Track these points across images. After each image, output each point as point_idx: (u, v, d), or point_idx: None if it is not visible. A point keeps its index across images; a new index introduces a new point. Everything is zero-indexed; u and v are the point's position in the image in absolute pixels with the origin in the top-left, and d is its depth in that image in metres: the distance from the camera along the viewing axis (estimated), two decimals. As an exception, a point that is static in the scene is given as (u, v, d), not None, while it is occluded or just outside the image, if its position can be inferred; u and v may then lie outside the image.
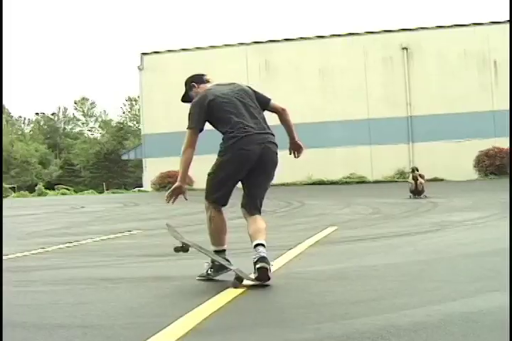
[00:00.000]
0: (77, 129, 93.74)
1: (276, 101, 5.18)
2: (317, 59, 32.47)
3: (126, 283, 5.07)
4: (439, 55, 30.90)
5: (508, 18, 26.99)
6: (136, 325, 3.51)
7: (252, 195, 4.98)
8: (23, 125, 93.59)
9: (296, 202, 17.07)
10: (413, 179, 17.87)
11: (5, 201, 31.86)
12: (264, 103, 5.10)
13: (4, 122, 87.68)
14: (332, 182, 30.28)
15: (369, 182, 30.21)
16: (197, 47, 34.74)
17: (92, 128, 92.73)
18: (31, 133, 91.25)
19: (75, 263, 6.53)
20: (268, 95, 5.23)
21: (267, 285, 4.50)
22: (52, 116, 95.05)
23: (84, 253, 7.58)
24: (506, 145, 27.70)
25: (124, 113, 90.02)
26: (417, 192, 17.58)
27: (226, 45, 34.38)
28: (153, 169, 32.49)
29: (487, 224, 9.23)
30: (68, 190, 44.42)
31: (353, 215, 12.51)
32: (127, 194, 33.07)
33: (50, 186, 54.06)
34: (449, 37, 30.72)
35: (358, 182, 30.10)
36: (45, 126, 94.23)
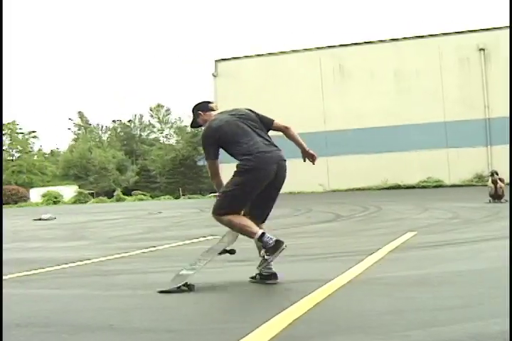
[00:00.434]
0: (153, 136, 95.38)
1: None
2: (391, 62, 32.09)
3: (207, 288, 5.10)
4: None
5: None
6: (220, 330, 3.52)
7: (266, 207, 5.35)
8: (100, 132, 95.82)
9: (372, 207, 16.87)
10: (493, 183, 17.38)
11: (84, 206, 32.69)
12: (268, 123, 5.46)
13: (83, 130, 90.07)
14: (408, 187, 29.85)
15: (446, 186, 29.64)
16: (270, 53, 34.81)
17: (167, 134, 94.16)
18: (109, 140, 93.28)
19: (156, 268, 6.62)
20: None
21: (350, 292, 4.45)
22: (128, 123, 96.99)
23: (163, 259, 7.68)
24: None
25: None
26: (496, 196, 17.10)
27: (299, 50, 34.31)
28: (228, 174, 32.55)
29: None
30: (145, 195, 45.13)
31: (431, 220, 12.26)
32: (203, 199, 33.38)
33: (128, 192, 55.06)
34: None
35: (434, 186, 29.58)
36: (122, 133, 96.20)
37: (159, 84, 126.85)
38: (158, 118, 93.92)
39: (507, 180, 20.04)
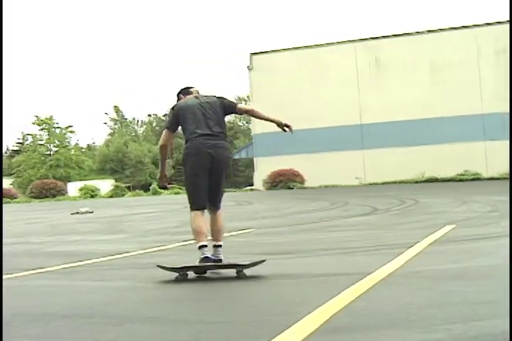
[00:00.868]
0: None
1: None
2: (427, 54, 31.81)
3: (247, 280, 5.14)
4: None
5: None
6: (261, 322, 3.55)
7: (212, 192, 5.67)
8: (136, 126, 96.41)
9: (409, 200, 16.76)
10: (532, 176, 17.19)
11: (121, 200, 32.99)
12: (231, 107, 5.82)
13: (118, 124, 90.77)
14: (445, 180, 29.58)
15: (484, 179, 29.32)
16: (305, 46, 34.71)
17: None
18: (144, 134, 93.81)
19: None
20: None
21: (390, 285, 4.46)
22: (163, 117, 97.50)
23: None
24: None
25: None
26: (536, 189, 16.90)
27: (335, 43, 34.16)
28: (264, 168, 32.58)
29: None
30: (181, 189, 45.29)
31: (470, 213, 12.16)
32: (239, 192, 33.40)
33: (163, 185, 55.29)
34: None
35: (472, 179, 29.28)
36: (157, 127, 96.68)
37: (195, 78, 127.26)
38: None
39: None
